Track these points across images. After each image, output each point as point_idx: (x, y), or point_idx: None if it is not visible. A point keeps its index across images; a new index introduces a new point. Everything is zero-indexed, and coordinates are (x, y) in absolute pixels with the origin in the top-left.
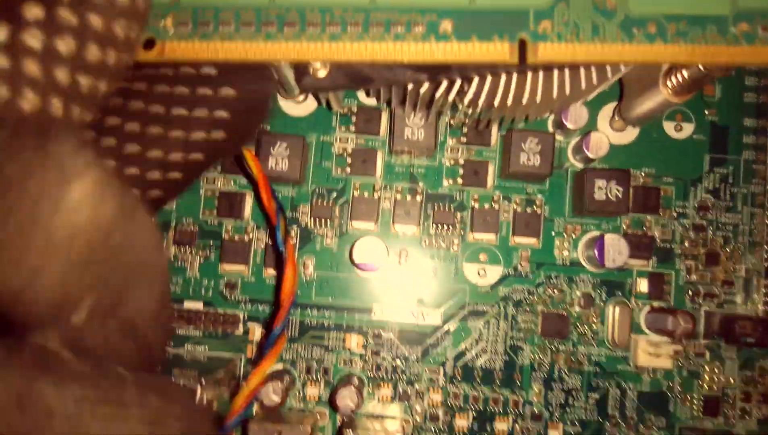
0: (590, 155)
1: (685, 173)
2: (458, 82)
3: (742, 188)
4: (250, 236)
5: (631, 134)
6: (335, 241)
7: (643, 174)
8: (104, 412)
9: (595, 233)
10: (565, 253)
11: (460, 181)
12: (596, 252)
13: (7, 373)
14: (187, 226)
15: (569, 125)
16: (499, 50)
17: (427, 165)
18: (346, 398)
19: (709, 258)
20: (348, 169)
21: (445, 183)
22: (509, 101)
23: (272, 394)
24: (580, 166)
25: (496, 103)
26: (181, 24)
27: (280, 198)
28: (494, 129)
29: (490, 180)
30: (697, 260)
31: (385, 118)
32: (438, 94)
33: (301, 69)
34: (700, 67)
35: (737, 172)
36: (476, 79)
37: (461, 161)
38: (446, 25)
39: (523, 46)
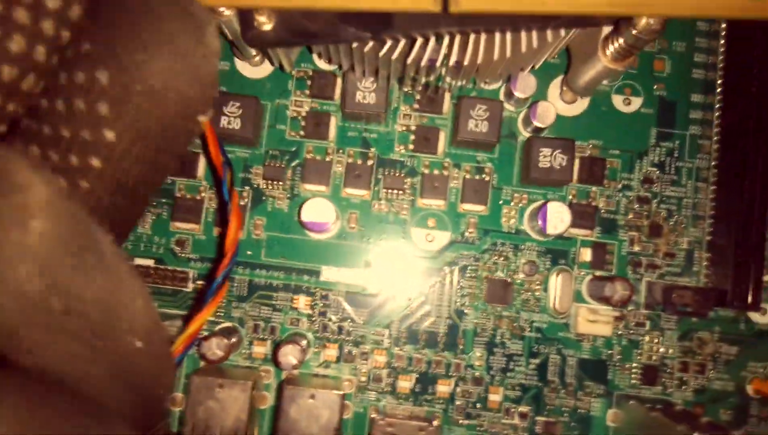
0: (537, 124)
1: (631, 146)
2: (402, 43)
3: (687, 162)
4: (203, 195)
5: (580, 106)
6: (287, 203)
7: (591, 145)
8: None
9: (541, 202)
10: (512, 221)
11: (411, 147)
12: (539, 219)
13: None
14: None
15: (518, 94)
16: None
17: (379, 130)
18: (288, 355)
19: (652, 229)
20: (302, 133)
21: (397, 149)
22: (451, 62)
23: (216, 349)
24: (528, 134)
25: (438, 64)
26: None
27: (234, 158)
28: (447, 96)
29: (441, 147)
30: (641, 232)
31: (340, 82)
32: (381, 53)
33: (246, 22)
34: (633, 31)
35: (683, 146)
36: (419, 41)
37: (413, 127)
38: None
39: None
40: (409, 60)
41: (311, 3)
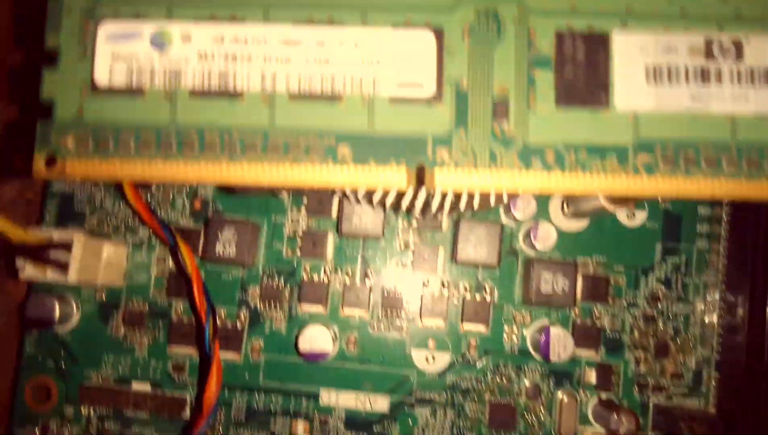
0: (538, 247)
1: (636, 262)
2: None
3: (694, 278)
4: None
5: (582, 222)
6: (284, 324)
7: (594, 261)
8: None
9: (544, 321)
10: (514, 339)
11: (410, 265)
12: (542, 345)
13: None
14: (136, 306)
15: (517, 215)
16: (397, 175)
17: (377, 248)
18: None
19: (658, 349)
20: (298, 252)
21: (395, 267)
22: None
23: None
24: (530, 251)
25: (433, 210)
26: (82, 143)
27: (229, 279)
28: (445, 215)
29: (441, 265)
30: (647, 351)
31: (336, 200)
32: (374, 201)
33: None
34: None
35: (690, 261)
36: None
37: (411, 246)
38: (344, 150)
39: (421, 172)
40: (403, 206)
41: (282, 181)
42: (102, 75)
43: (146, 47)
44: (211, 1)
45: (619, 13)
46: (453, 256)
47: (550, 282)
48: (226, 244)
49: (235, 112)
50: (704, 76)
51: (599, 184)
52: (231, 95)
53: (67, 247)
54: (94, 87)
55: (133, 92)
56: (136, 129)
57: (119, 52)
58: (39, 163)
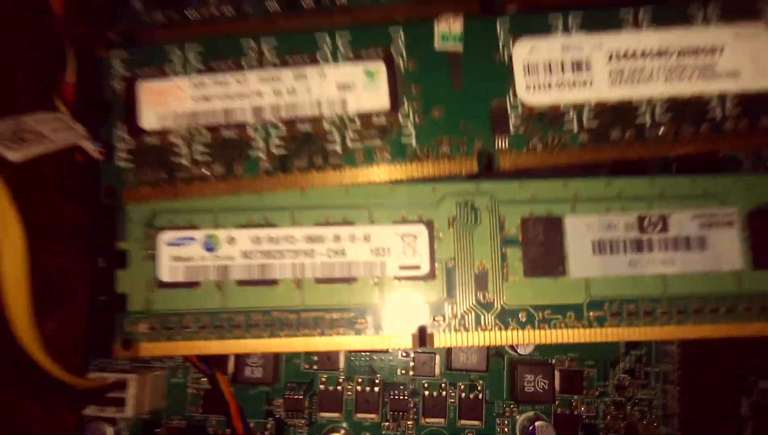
0: (520, 351)
1: (605, 356)
2: None
3: (654, 367)
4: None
5: None
6: (306, 431)
7: (568, 359)
8: None
9: (530, 414)
10: (506, 430)
11: (411, 372)
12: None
13: None
14: (176, 423)
15: (520, 350)
16: (404, 339)
17: (383, 358)
18: None
19: (628, 430)
20: (315, 366)
21: (400, 373)
22: None
23: None
24: (514, 354)
25: None
26: (152, 328)
27: (256, 392)
28: None
29: (438, 370)
30: (619, 433)
31: None
32: None
33: None
34: None
35: (650, 353)
36: None
37: (411, 354)
38: (361, 321)
39: (423, 335)
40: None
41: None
42: (164, 273)
43: (199, 249)
44: (248, 210)
45: (569, 200)
46: (448, 364)
47: (532, 382)
48: (253, 368)
49: (273, 296)
50: (639, 246)
51: (561, 337)
52: (269, 283)
53: (121, 386)
54: (158, 283)
55: (190, 285)
56: (195, 315)
57: (178, 254)
58: (118, 348)
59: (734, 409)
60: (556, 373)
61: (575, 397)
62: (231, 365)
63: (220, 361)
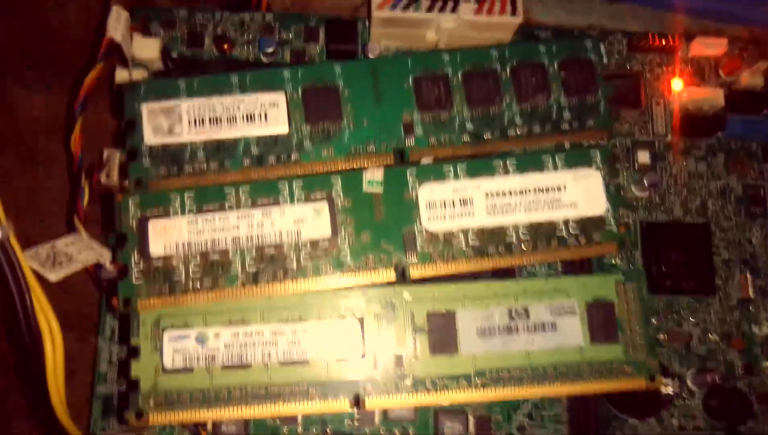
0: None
1: (507, 403)
2: None
3: (548, 411)
4: None
5: None
6: None
7: (480, 406)
8: None
9: None
10: None
11: (356, 422)
12: None
13: None
14: None
15: None
16: (343, 404)
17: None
18: None
19: None
20: (278, 420)
21: (347, 423)
22: None
23: None
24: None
25: None
26: (158, 404)
27: None
28: None
29: (377, 419)
30: None
31: None
32: None
33: None
34: None
35: (544, 399)
36: None
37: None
38: (312, 391)
39: (357, 400)
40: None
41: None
42: (167, 362)
43: (193, 343)
44: (228, 312)
45: (460, 299)
46: (385, 415)
47: (451, 428)
48: (228, 425)
49: (247, 376)
50: (509, 329)
51: (456, 397)
52: (244, 366)
53: None
54: (163, 369)
55: (187, 370)
56: (190, 393)
57: (177, 347)
58: (131, 418)
59: None
60: (470, 419)
61: None
62: (209, 423)
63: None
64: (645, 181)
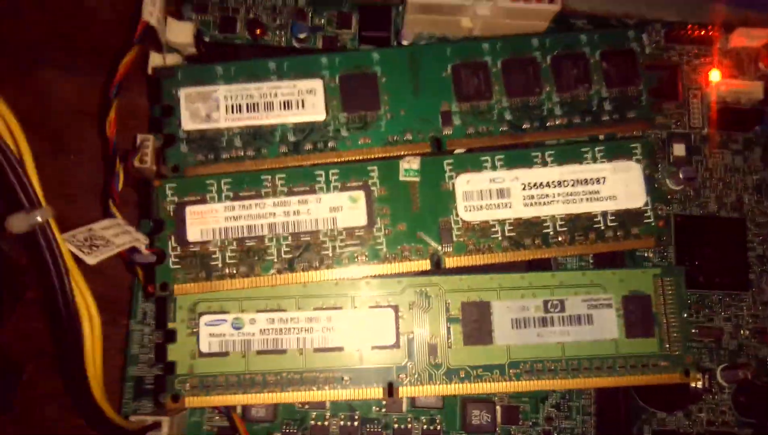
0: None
1: (535, 393)
2: None
3: (575, 402)
4: None
5: None
6: None
7: (507, 396)
8: None
9: None
10: None
11: (383, 409)
12: None
13: None
14: None
15: None
16: (376, 391)
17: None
18: None
19: None
20: (306, 406)
21: (374, 410)
22: None
23: None
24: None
25: None
26: (193, 387)
27: (258, 428)
28: None
29: (405, 407)
30: None
31: None
32: None
33: None
34: None
35: (571, 391)
36: None
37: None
38: (346, 378)
39: (390, 388)
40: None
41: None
42: (204, 346)
43: (229, 328)
44: (264, 299)
45: (495, 289)
46: (413, 403)
47: (478, 416)
48: (258, 409)
49: (282, 362)
50: (544, 322)
51: (489, 388)
52: (280, 352)
53: (157, 426)
54: (200, 353)
55: (222, 355)
56: (226, 376)
57: (213, 331)
58: (168, 401)
59: (640, 433)
60: (498, 408)
61: (513, 427)
62: (239, 407)
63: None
64: (681, 175)
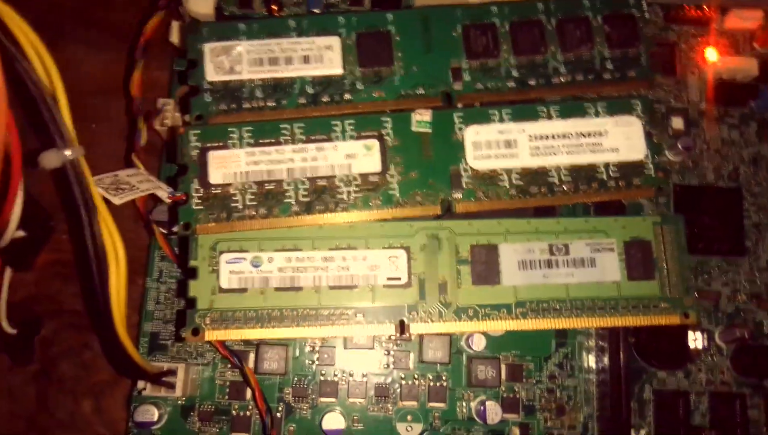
0: (474, 349)
1: (539, 353)
2: None
3: (578, 361)
4: (254, 412)
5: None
6: (309, 413)
7: (512, 355)
8: None
9: (482, 397)
10: (464, 410)
11: (392, 365)
12: (481, 413)
13: None
14: (206, 407)
15: (473, 347)
16: (389, 328)
17: (369, 355)
18: None
19: (558, 410)
20: (316, 362)
21: (382, 368)
22: None
23: None
24: (470, 351)
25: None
26: (213, 321)
27: (270, 383)
28: None
29: (412, 364)
30: (551, 412)
31: None
32: None
33: None
34: None
35: (574, 350)
36: None
37: (392, 352)
38: (359, 315)
39: (402, 325)
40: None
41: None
42: (224, 282)
43: (248, 266)
44: (282, 239)
45: (503, 233)
46: (420, 358)
47: (484, 371)
48: (270, 362)
49: (299, 298)
50: (549, 264)
51: (497, 326)
52: (296, 289)
53: (173, 373)
54: (220, 289)
55: (241, 291)
56: (244, 311)
57: (233, 269)
58: (189, 335)
59: (641, 392)
60: (503, 366)
61: (517, 384)
62: (251, 361)
63: (245, 357)
64: (679, 145)
